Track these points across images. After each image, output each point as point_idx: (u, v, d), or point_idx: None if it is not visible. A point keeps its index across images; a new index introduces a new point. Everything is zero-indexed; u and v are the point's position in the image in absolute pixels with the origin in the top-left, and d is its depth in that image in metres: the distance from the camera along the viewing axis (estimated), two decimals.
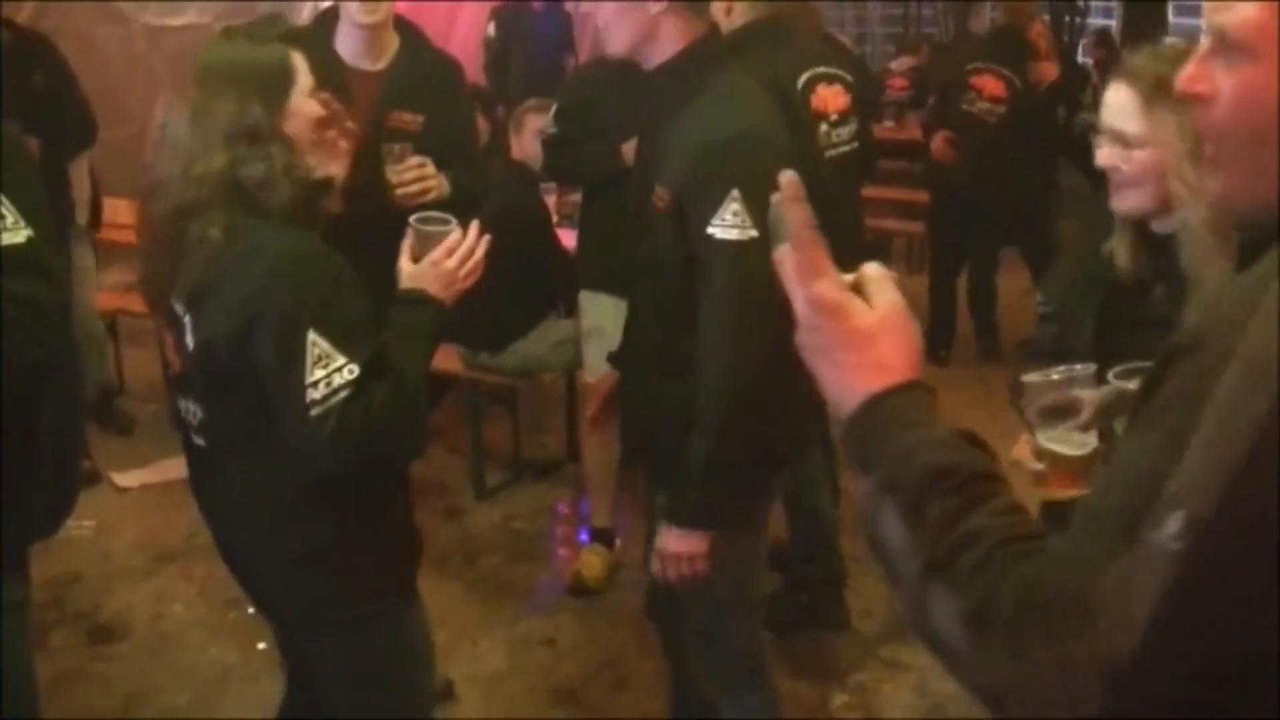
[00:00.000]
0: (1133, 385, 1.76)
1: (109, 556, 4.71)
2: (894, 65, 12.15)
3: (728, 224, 2.44)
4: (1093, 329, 2.30)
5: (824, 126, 3.84)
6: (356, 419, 2.19)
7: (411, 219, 2.44)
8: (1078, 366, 1.88)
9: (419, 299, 2.38)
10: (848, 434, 1.25)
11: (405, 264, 2.42)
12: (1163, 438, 1.08)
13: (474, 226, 2.45)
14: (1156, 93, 2.12)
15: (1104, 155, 2.23)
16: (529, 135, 4.97)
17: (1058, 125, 6.82)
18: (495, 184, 5.23)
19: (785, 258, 1.28)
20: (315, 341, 2.18)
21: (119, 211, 5.85)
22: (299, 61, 2.37)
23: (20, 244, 2.31)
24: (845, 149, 3.91)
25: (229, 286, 2.24)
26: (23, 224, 2.31)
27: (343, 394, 2.18)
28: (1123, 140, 2.19)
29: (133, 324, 6.28)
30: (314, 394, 2.18)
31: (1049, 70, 6.61)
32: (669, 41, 2.54)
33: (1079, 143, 6.63)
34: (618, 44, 2.59)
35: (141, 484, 5.30)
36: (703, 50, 2.57)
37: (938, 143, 6.67)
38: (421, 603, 2.61)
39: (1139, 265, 2.28)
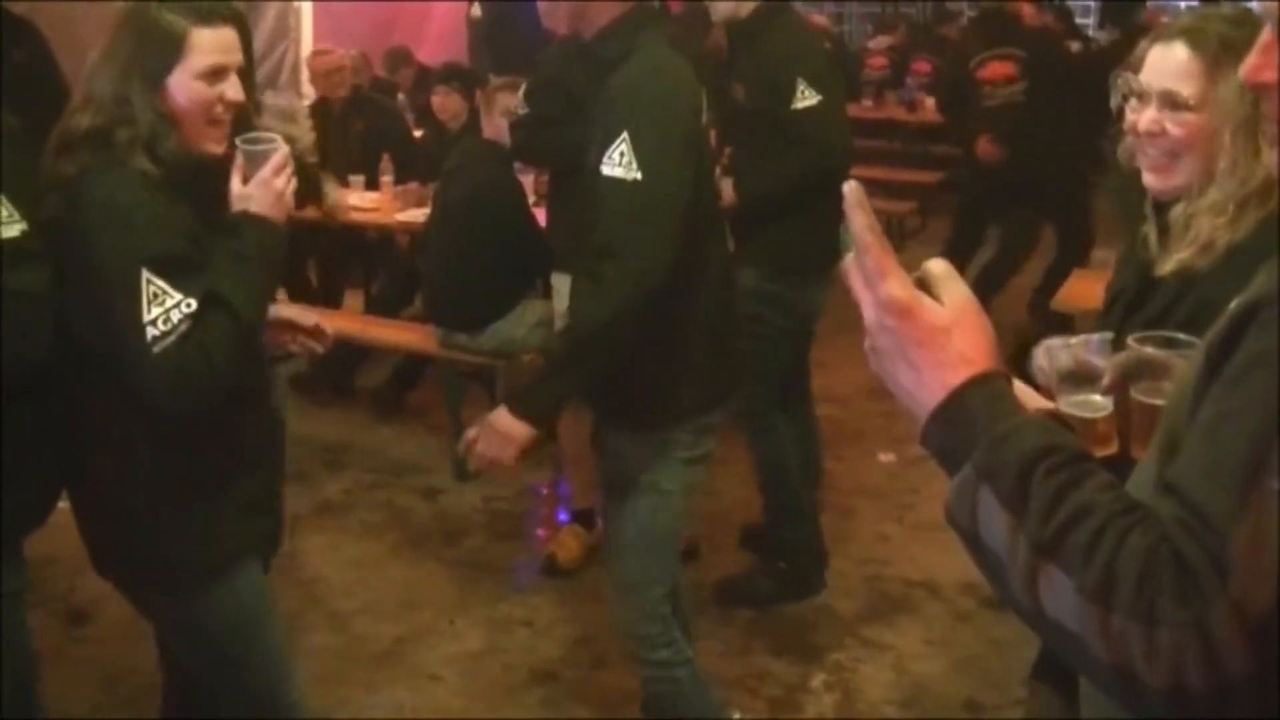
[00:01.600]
0: (1150, 350, 1.75)
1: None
2: (872, 44, 12.16)
3: (614, 163, 2.61)
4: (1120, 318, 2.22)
5: None
6: (195, 353, 2.24)
7: (238, 140, 2.44)
8: (1095, 335, 1.88)
9: (248, 220, 2.40)
10: (931, 430, 1.25)
11: (235, 185, 2.44)
12: (1262, 391, 1.08)
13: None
14: (1221, 53, 2.03)
15: (1148, 119, 2.11)
16: (499, 114, 4.95)
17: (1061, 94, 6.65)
18: (468, 163, 5.22)
19: (850, 264, 1.26)
20: (149, 279, 2.22)
21: None
22: (203, 38, 2.36)
23: (16, 237, 2.30)
24: None
25: (66, 227, 2.30)
26: (17, 217, 2.31)
27: (182, 328, 2.23)
28: (1174, 102, 2.08)
29: None
30: (152, 331, 2.22)
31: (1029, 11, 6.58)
32: (599, 16, 2.78)
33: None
34: (558, 22, 2.86)
35: None
36: (630, 21, 2.77)
37: (982, 147, 6.54)
38: (257, 568, 2.61)
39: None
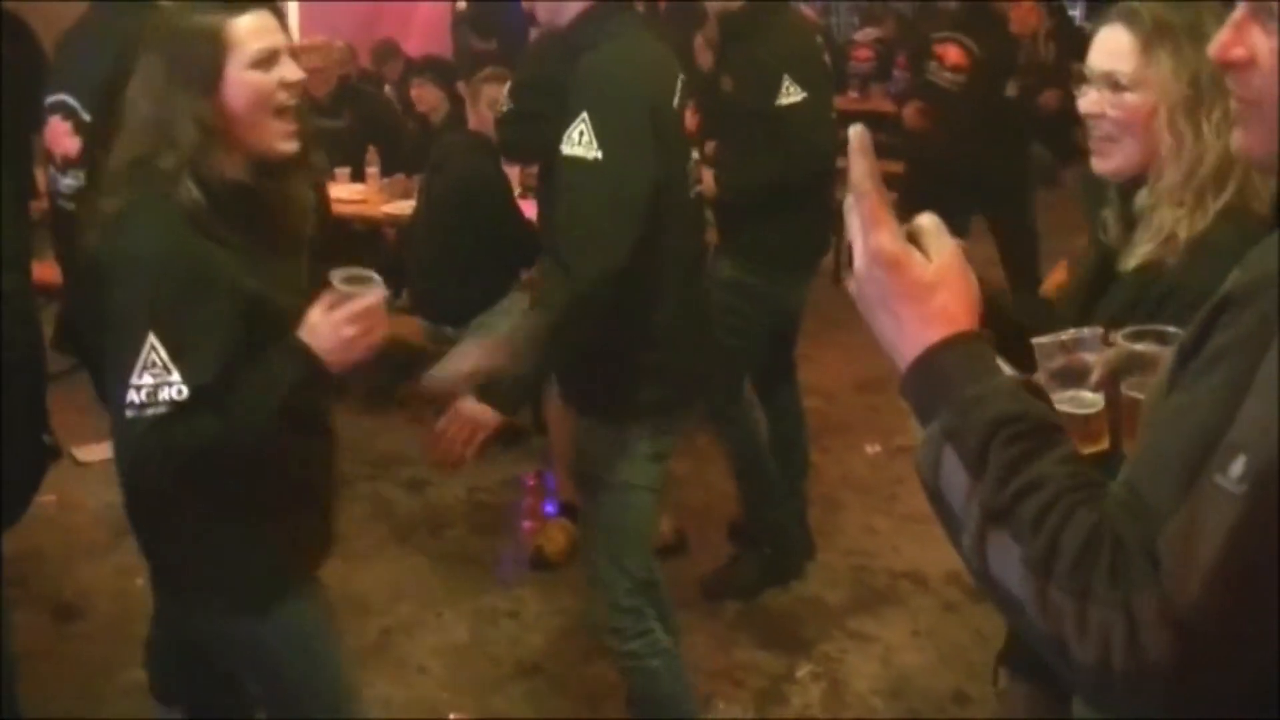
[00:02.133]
0: (1140, 346, 1.76)
1: (71, 532, 4.67)
2: (858, 36, 12.14)
3: (574, 142, 2.65)
4: (1081, 304, 2.23)
5: None
6: (161, 442, 2.09)
7: (334, 275, 2.26)
8: (1085, 330, 1.88)
9: (299, 352, 2.22)
10: (907, 383, 1.27)
11: (313, 313, 2.25)
12: (1220, 385, 1.10)
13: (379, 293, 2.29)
14: (1155, 34, 2.05)
15: (1089, 101, 2.14)
16: (485, 105, 4.94)
17: (1006, 98, 6.74)
18: (454, 155, 5.21)
19: (848, 209, 1.29)
20: (154, 345, 2.08)
21: None
22: (242, 27, 2.20)
23: None
24: None
25: (101, 267, 2.18)
26: None
27: (160, 409, 2.08)
28: (1113, 83, 2.10)
29: None
30: (134, 396, 2.08)
31: (1028, 13, 6.60)
32: (571, 6, 2.83)
33: (1035, 116, 6.67)
34: (540, 14, 2.94)
35: (102, 459, 5.26)
36: (602, 9, 2.82)
37: (909, 112, 6.66)
38: (321, 598, 2.55)
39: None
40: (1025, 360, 1.89)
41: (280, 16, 2.35)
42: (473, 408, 2.71)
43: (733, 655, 3.98)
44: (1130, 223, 2.13)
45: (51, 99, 3.30)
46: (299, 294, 2.28)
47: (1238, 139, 1.27)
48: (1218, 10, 2.09)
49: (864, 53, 11.22)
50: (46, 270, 5.88)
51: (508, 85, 3.34)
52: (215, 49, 2.18)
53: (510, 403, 2.77)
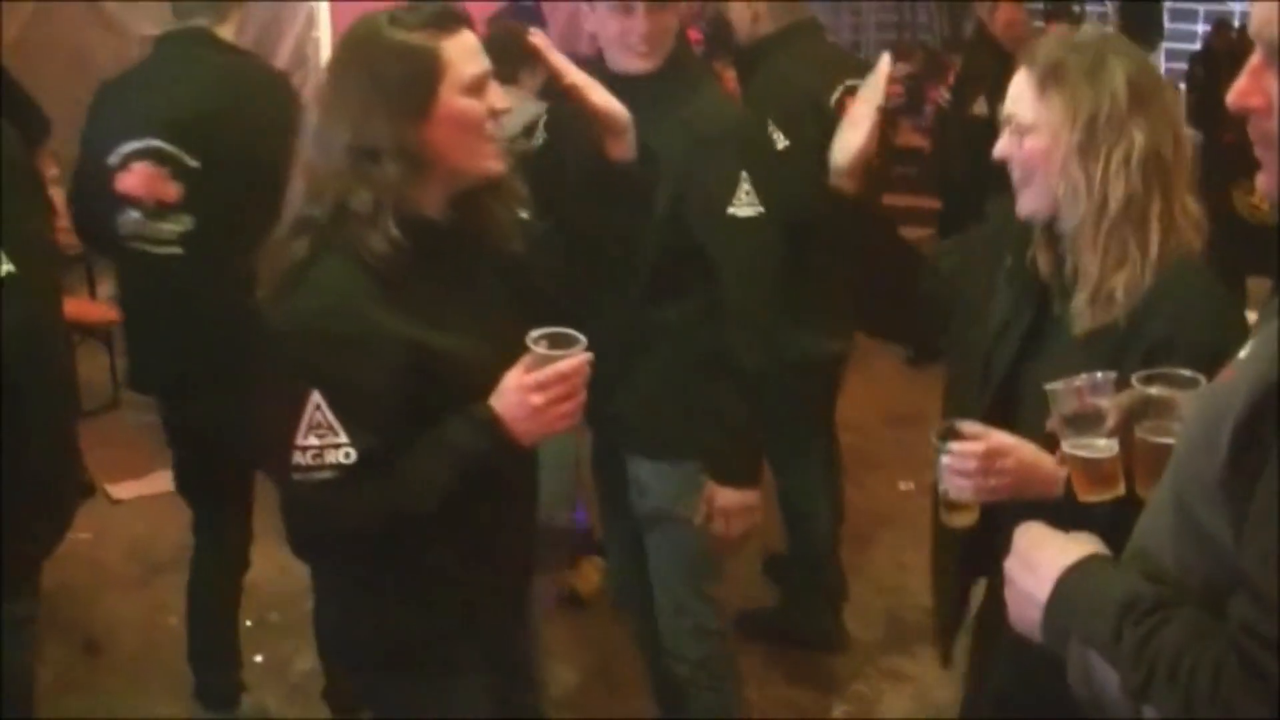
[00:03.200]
0: (1154, 390, 1.76)
1: (102, 567, 4.68)
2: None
3: (742, 203, 2.72)
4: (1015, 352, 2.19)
5: None
6: (328, 506, 1.99)
7: (532, 335, 2.03)
8: (1099, 374, 1.87)
9: (482, 420, 2.03)
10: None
11: (509, 376, 2.04)
12: None
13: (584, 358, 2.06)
14: (1049, 76, 2.05)
15: (999, 145, 2.14)
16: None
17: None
18: None
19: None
20: (319, 405, 1.95)
21: None
22: (453, 49, 2.02)
23: (13, 273, 2.27)
24: None
25: (265, 318, 2.04)
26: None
27: (326, 474, 1.96)
28: (1016, 126, 2.10)
29: None
30: (299, 458, 1.95)
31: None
32: (668, 41, 2.74)
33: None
34: (625, 59, 2.76)
35: (136, 495, 5.28)
36: (684, 63, 2.82)
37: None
38: (480, 689, 2.30)
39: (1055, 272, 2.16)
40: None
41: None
42: (729, 497, 2.82)
43: (766, 692, 3.94)
44: (1061, 261, 2.12)
45: (134, 145, 3.25)
46: (495, 336, 2.09)
47: (1260, 181, 1.27)
48: (1124, 47, 2.09)
49: (895, 88, 11.21)
50: (88, 307, 5.97)
51: (542, 120, 3.07)
52: (428, 71, 2.00)
53: (752, 473, 2.87)
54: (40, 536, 2.49)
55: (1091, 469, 1.86)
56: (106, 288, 6.09)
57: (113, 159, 3.27)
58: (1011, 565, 1.53)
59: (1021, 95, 2.10)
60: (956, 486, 2.03)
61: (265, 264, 2.07)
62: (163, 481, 5.01)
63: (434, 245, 2.05)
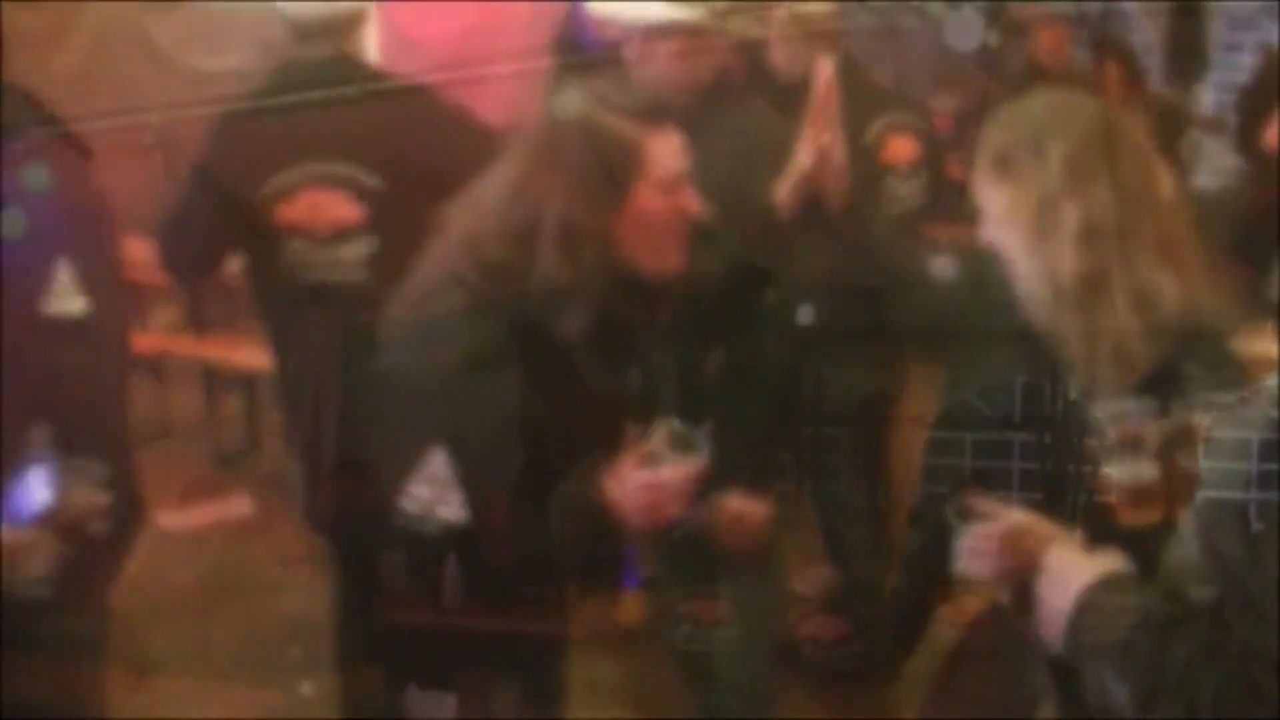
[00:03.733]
0: (1195, 417, 1.77)
1: (152, 595, 4.70)
2: (934, 104, 12.05)
3: None
4: None
5: (891, 180, 3.67)
6: (425, 558, 1.97)
7: (660, 426, 2.02)
8: (1142, 401, 1.87)
9: (591, 505, 1.99)
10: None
11: (623, 463, 2.01)
12: None
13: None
14: (994, 165, 2.01)
15: (979, 232, 2.07)
16: None
17: None
18: None
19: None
20: (442, 461, 1.91)
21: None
22: (659, 146, 2.01)
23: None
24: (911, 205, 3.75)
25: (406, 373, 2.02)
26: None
27: (427, 529, 1.93)
28: (982, 214, 2.05)
29: (179, 365, 6.28)
30: (408, 505, 1.94)
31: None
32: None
33: None
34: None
35: (187, 524, 5.31)
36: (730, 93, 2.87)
37: None
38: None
39: None
40: None
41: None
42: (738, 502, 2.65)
43: None
44: None
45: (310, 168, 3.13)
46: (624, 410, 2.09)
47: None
48: (1073, 120, 2.02)
49: (944, 122, 11.15)
50: (151, 339, 5.97)
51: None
52: (631, 163, 1.99)
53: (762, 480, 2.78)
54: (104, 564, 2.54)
55: (1134, 496, 1.86)
56: (151, 318, 6.12)
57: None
58: (1042, 585, 1.59)
59: (980, 183, 2.05)
60: (975, 569, 1.88)
61: (394, 310, 2.04)
62: (213, 511, 5.07)
63: (589, 328, 2.01)
